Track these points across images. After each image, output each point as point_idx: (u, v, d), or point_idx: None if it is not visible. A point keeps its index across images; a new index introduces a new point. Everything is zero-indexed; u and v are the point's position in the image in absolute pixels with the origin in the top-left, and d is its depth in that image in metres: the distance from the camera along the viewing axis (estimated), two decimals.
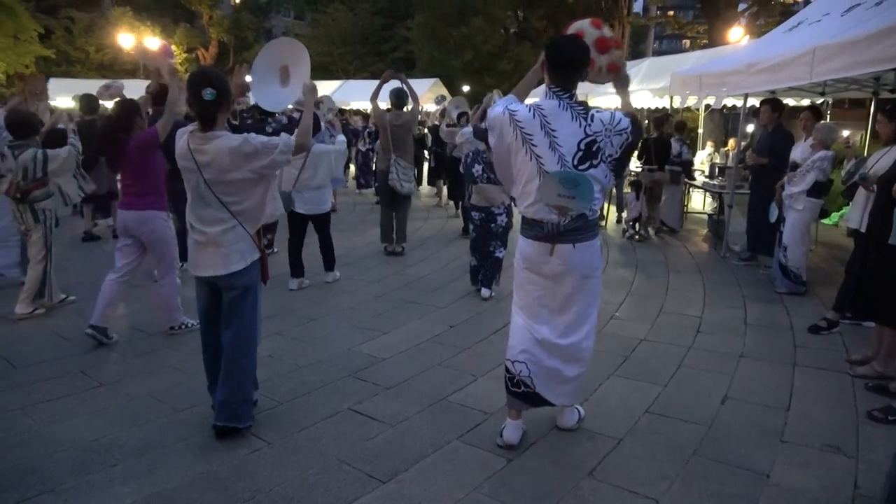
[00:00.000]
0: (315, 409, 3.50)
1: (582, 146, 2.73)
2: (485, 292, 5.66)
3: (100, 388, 3.75)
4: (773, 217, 6.13)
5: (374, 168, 11.23)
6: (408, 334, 4.77)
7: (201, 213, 2.98)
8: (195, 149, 2.91)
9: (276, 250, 7.25)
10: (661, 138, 8.69)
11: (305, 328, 4.91)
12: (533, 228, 2.88)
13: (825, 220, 9.28)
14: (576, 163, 2.73)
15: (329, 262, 6.23)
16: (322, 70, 30.48)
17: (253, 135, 2.96)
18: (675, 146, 8.87)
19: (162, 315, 4.69)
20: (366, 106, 19.18)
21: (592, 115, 2.76)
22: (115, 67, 29.93)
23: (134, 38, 25.97)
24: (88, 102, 7.84)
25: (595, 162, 2.76)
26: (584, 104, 2.79)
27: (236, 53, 37.08)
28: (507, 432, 3.06)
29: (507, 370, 3.05)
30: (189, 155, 2.92)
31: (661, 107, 12.61)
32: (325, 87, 20.48)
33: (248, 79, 3.67)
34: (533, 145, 2.76)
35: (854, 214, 4.77)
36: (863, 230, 4.32)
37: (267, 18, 42.13)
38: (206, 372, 3.29)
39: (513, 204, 3.06)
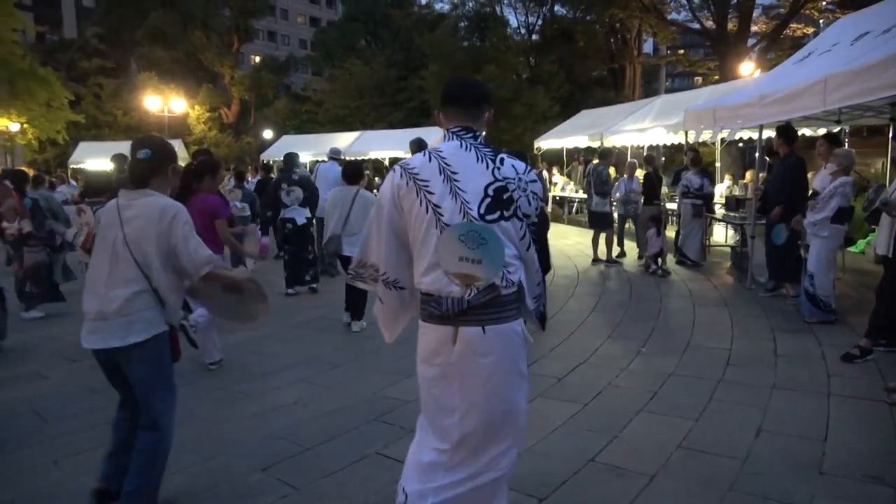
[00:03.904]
0: (341, 454, 3.48)
1: (490, 192, 2.14)
2: None
3: None
4: (780, 239, 6.12)
5: None
6: None
7: (109, 270, 2.72)
8: (123, 204, 2.79)
9: (315, 287, 7.85)
10: (650, 175, 9.43)
11: (330, 374, 4.92)
12: (429, 307, 2.17)
13: (852, 248, 9.15)
14: (482, 211, 2.11)
15: (359, 311, 6.22)
16: (340, 122, 31.26)
17: (191, 222, 2.81)
18: (696, 179, 8.89)
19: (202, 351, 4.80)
20: (383, 155, 19.56)
21: (503, 159, 2.20)
22: (142, 129, 31.02)
23: (160, 101, 26.97)
24: (121, 161, 8.11)
25: (507, 213, 2.14)
26: (493, 148, 2.26)
27: (257, 110, 38.26)
28: None
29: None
30: (115, 211, 2.78)
31: (676, 142, 12.69)
32: (344, 139, 20.93)
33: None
34: (429, 193, 2.15)
35: (881, 240, 4.72)
36: (890, 255, 4.26)
37: (286, 76, 43.54)
38: (114, 431, 2.92)
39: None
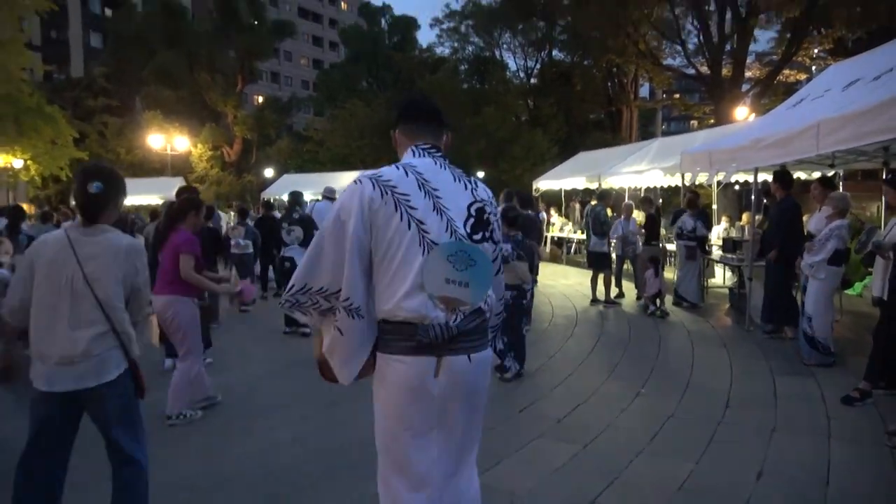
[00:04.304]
0: (341, 493, 3.46)
1: (472, 211, 2.03)
2: (511, 370, 5.61)
3: None
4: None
5: None
6: None
7: (69, 313, 2.59)
8: (77, 240, 2.63)
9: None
10: (651, 216, 9.68)
11: (329, 412, 4.89)
12: (405, 337, 1.94)
13: (849, 291, 9.19)
14: (469, 230, 2.00)
15: None
16: (341, 161, 31.61)
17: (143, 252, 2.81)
18: (689, 222, 8.98)
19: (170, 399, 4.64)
20: None
21: (476, 181, 2.13)
22: (145, 166, 31.33)
23: (164, 139, 27.31)
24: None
25: (487, 234, 2.05)
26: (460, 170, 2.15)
27: (259, 149, 38.72)
28: None
29: None
30: (68, 247, 2.61)
31: (673, 184, 12.86)
32: (345, 178, 21.14)
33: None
34: (411, 207, 1.94)
35: (876, 283, 4.78)
36: (886, 298, 4.31)
37: (288, 116, 44.21)
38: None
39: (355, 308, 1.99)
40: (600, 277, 9.56)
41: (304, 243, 7.67)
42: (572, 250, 16.60)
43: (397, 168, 2.03)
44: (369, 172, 2.03)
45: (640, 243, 9.63)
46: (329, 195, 10.27)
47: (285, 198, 22.06)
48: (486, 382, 2.10)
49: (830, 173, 8.49)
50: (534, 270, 6.11)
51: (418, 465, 1.99)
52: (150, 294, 2.84)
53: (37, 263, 2.63)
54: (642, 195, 12.24)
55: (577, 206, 17.64)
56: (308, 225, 7.86)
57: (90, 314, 2.59)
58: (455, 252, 1.93)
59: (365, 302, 1.99)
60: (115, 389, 2.65)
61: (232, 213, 17.16)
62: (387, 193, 1.94)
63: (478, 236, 2.02)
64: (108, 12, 50.25)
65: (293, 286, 2.06)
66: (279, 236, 7.95)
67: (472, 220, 2.02)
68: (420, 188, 1.98)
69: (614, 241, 9.80)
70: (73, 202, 22.31)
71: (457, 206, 2.01)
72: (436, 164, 2.08)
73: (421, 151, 2.10)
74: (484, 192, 2.12)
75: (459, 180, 2.08)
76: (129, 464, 2.72)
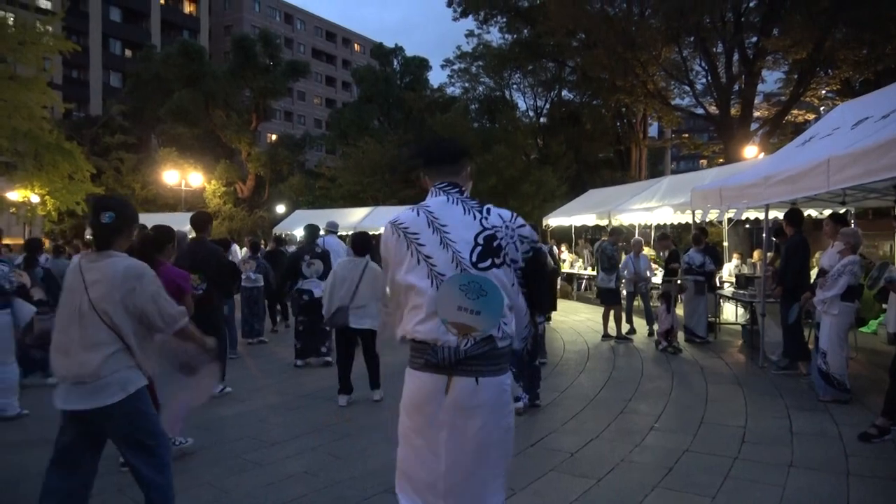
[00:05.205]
0: None
1: (480, 240, 2.22)
2: (521, 401, 5.55)
3: None
4: (793, 318, 6.19)
5: None
6: None
7: (79, 335, 2.74)
8: (86, 266, 2.81)
9: (330, 360, 7.61)
10: (673, 252, 9.53)
11: (340, 444, 4.87)
12: (423, 354, 2.19)
13: (863, 329, 9.11)
14: (474, 259, 2.19)
15: (375, 380, 6.10)
16: (353, 198, 31.93)
17: (156, 278, 2.92)
18: (697, 257, 8.98)
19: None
20: None
21: (489, 209, 2.31)
22: (158, 202, 31.79)
23: (178, 175, 27.75)
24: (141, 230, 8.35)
25: (497, 261, 2.22)
26: (478, 200, 2.37)
27: (272, 185, 39.19)
28: None
29: None
30: (78, 273, 2.81)
31: (683, 221, 12.90)
32: (356, 214, 21.35)
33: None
34: (420, 245, 2.23)
35: (890, 318, 4.76)
36: None
37: (301, 153, 44.82)
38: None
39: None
40: (611, 313, 9.54)
41: (322, 276, 7.63)
42: (583, 287, 16.58)
43: (412, 210, 2.32)
44: (392, 217, 2.36)
45: (653, 278, 9.58)
46: (332, 229, 10.37)
47: (296, 233, 22.34)
48: (500, 407, 2.19)
49: (842, 210, 8.51)
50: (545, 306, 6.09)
51: (422, 472, 2.20)
52: (175, 307, 2.90)
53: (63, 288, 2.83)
54: (657, 232, 12.24)
55: (586, 244, 17.68)
56: (327, 259, 7.89)
57: (98, 336, 2.71)
58: (467, 283, 2.13)
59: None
60: (130, 408, 2.74)
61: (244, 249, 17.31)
62: (400, 235, 2.26)
63: (485, 263, 2.19)
64: (128, 53, 51.76)
65: (400, 337, 2.33)
66: (293, 270, 7.95)
67: (479, 249, 2.20)
68: (429, 226, 2.25)
69: (624, 277, 9.78)
70: (87, 235, 22.58)
71: (462, 238, 2.21)
72: (448, 200, 2.32)
73: (437, 191, 2.37)
74: (497, 219, 2.27)
75: (469, 212, 2.28)
76: (150, 489, 2.77)
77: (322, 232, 9.25)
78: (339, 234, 10.74)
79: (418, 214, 2.28)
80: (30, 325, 6.94)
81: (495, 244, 2.23)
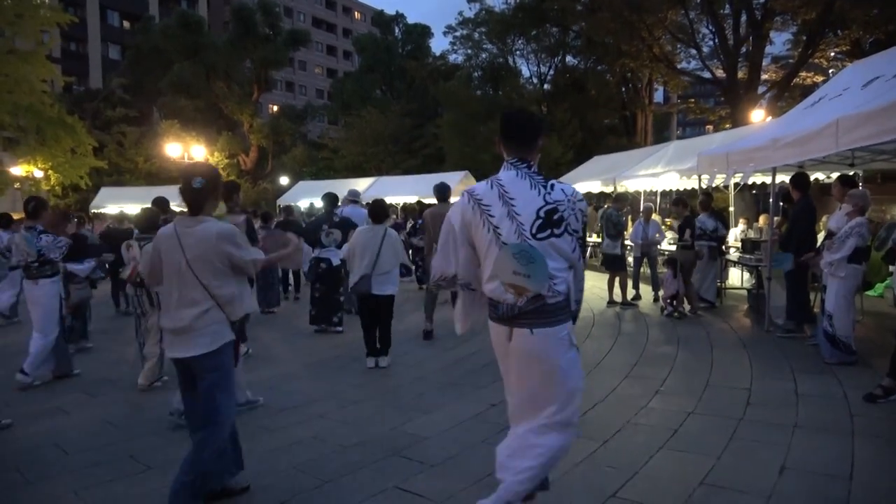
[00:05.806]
0: (361, 489, 3.48)
1: (542, 213, 2.55)
2: None
3: (148, 471, 3.80)
4: (786, 266, 6.25)
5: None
6: (450, 413, 4.74)
7: (178, 294, 3.08)
8: (181, 231, 3.09)
9: (341, 329, 7.87)
10: (687, 217, 8.96)
11: (348, 410, 4.92)
12: (495, 309, 2.67)
13: (870, 292, 9.07)
14: (534, 231, 2.54)
15: (386, 347, 6.24)
16: (356, 169, 31.80)
17: (241, 233, 3.25)
18: (710, 222, 8.92)
19: None
20: (398, 200, 19.83)
21: (553, 185, 2.62)
22: (162, 175, 31.69)
23: (181, 148, 27.63)
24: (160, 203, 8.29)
25: (557, 231, 2.56)
26: (543, 175, 2.68)
27: (275, 157, 39.02)
28: None
29: None
30: (174, 236, 3.09)
31: (689, 187, 12.80)
32: (360, 185, 21.27)
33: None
34: (490, 216, 2.60)
35: None
36: None
37: (303, 124, 44.51)
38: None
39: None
40: (616, 279, 9.53)
41: (340, 245, 7.60)
42: (588, 254, 16.55)
43: (487, 183, 2.69)
44: (470, 187, 2.75)
45: (666, 243, 9.44)
46: (353, 198, 10.30)
47: (301, 205, 22.25)
48: (555, 353, 2.59)
49: (850, 173, 8.41)
50: None
51: (510, 399, 2.80)
52: (250, 255, 3.24)
53: (161, 251, 3.16)
54: (674, 196, 12.04)
55: (591, 210, 17.58)
56: (345, 227, 7.82)
57: (193, 294, 3.05)
58: (519, 251, 2.51)
59: (474, 279, 2.77)
60: (214, 360, 3.08)
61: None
62: (475, 205, 2.65)
63: (543, 234, 2.55)
64: (127, 25, 51.15)
65: (436, 276, 2.86)
66: (312, 238, 7.90)
67: (539, 222, 2.55)
68: (500, 198, 2.61)
69: (630, 244, 9.72)
70: (92, 210, 22.56)
71: (527, 210, 2.57)
72: (517, 175, 2.66)
73: (509, 165, 2.71)
74: (560, 194, 2.60)
75: (535, 187, 2.61)
76: (207, 425, 3.07)
77: (342, 202, 9.23)
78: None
79: (492, 187, 2.64)
80: (66, 294, 6.95)
81: (556, 217, 2.56)
